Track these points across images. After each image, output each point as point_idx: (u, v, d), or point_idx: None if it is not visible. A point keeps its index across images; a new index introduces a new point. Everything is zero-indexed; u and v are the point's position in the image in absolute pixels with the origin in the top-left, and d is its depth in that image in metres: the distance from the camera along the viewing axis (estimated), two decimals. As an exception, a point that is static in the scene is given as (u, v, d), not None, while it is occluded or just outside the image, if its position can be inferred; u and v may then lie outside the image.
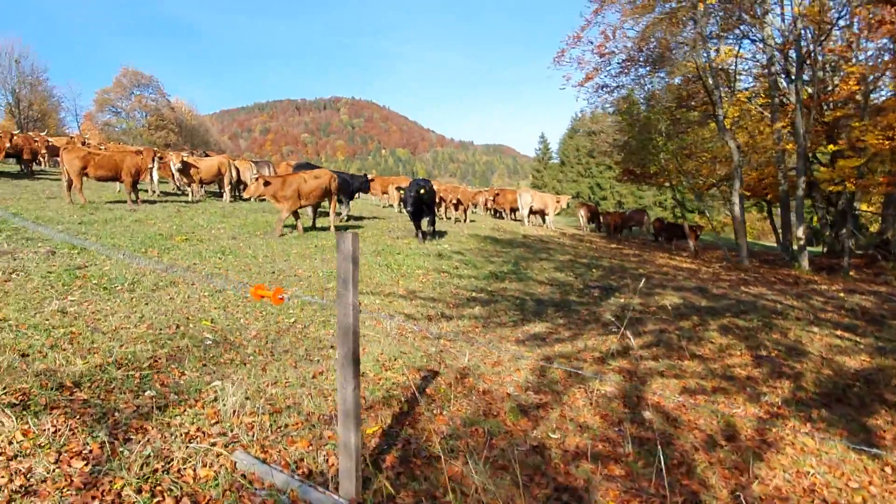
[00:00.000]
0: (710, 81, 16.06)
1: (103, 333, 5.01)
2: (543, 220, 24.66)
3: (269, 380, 4.55)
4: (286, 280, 8.25)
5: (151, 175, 17.69)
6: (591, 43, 22.55)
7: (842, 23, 14.68)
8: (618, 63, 21.11)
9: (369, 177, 18.77)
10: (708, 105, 17.48)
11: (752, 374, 5.81)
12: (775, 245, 27.04)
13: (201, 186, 18.39)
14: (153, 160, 15.87)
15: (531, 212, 23.60)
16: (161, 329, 5.39)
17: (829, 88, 16.43)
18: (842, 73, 16.52)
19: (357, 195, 18.62)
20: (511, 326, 7.16)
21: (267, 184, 12.04)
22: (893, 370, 6.02)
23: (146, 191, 18.13)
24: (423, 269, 9.99)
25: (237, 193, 19.01)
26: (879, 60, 14.32)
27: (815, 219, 32.58)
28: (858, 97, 14.66)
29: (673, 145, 17.48)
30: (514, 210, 26.38)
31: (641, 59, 21.57)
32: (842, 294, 10.48)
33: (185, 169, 16.73)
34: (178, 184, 19.84)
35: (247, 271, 8.52)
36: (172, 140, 61.71)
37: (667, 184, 24.28)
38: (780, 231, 18.28)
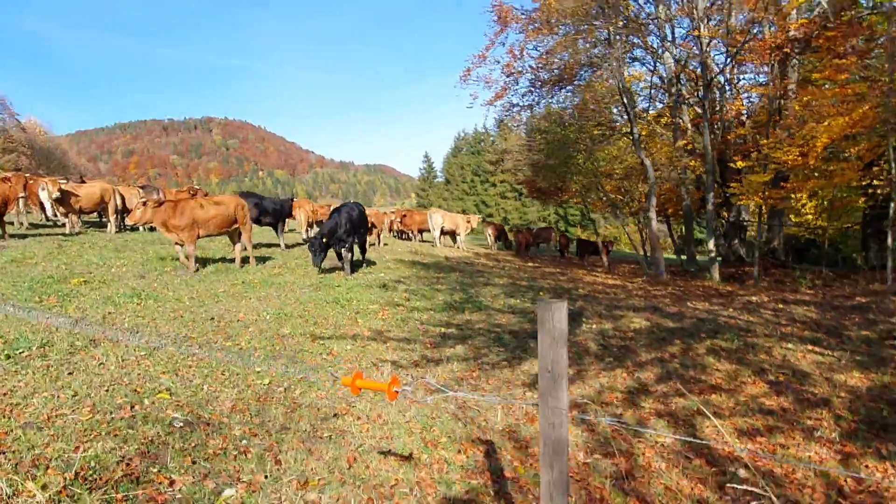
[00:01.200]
0: (626, 100, 16.44)
1: (38, 429, 3.69)
2: (454, 241, 24.23)
3: (294, 477, 3.50)
4: (230, 327, 7.00)
5: (19, 205, 15.23)
6: (498, 62, 22.67)
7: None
8: (527, 81, 21.25)
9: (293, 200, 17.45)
10: (618, 124, 17.93)
11: (784, 404, 5.50)
12: (674, 257, 28.46)
13: (79, 216, 16.07)
14: (23, 187, 13.58)
15: (442, 232, 23.08)
16: (111, 412, 4.13)
17: (726, 109, 17.41)
18: (735, 95, 17.55)
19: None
20: (506, 367, 6.45)
21: (151, 209, 10.48)
22: None
23: (12, 223, 15.59)
24: (375, 304, 9.03)
25: (122, 223, 16.86)
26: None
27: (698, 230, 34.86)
28: (760, 117, 15.62)
29: (590, 164, 17.72)
30: (421, 231, 25.77)
31: (545, 77, 21.95)
32: (780, 305, 10.76)
33: (63, 197, 14.52)
34: (49, 214, 17.29)
35: (179, 319, 7.16)
36: (24, 163, 55.19)
37: (576, 200, 24.78)
38: (678, 243, 18.96)
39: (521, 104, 20.66)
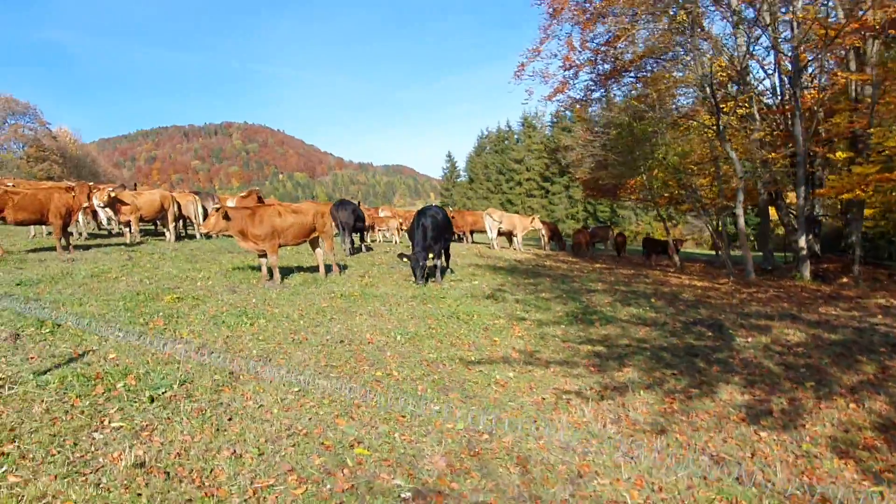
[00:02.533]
0: (709, 89, 15.38)
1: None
2: (510, 242, 23.30)
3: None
4: (365, 352, 6.18)
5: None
6: (556, 56, 21.70)
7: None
8: (586, 75, 20.27)
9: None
10: (699, 115, 16.85)
11: None
12: (737, 253, 27.20)
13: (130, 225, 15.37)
14: (88, 197, 12.88)
15: (499, 233, 22.16)
16: (322, 481, 3.30)
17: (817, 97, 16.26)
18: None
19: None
20: (703, 396, 5.53)
21: (227, 217, 9.71)
22: None
23: (71, 233, 14.99)
24: (499, 319, 8.17)
25: (182, 231, 16.22)
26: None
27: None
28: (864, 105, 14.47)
29: (673, 158, 16.66)
30: (473, 232, 24.83)
31: (606, 69, 20.92)
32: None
33: (116, 205, 13.85)
34: (104, 224, 16.79)
35: (305, 343, 6.35)
36: (56, 172, 55.24)
37: (635, 196, 23.72)
38: (753, 240, 17.83)
39: (584, 98, 19.71)
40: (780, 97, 18.58)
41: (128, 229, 15.01)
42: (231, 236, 10.22)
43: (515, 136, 77.90)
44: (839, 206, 20.94)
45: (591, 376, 5.92)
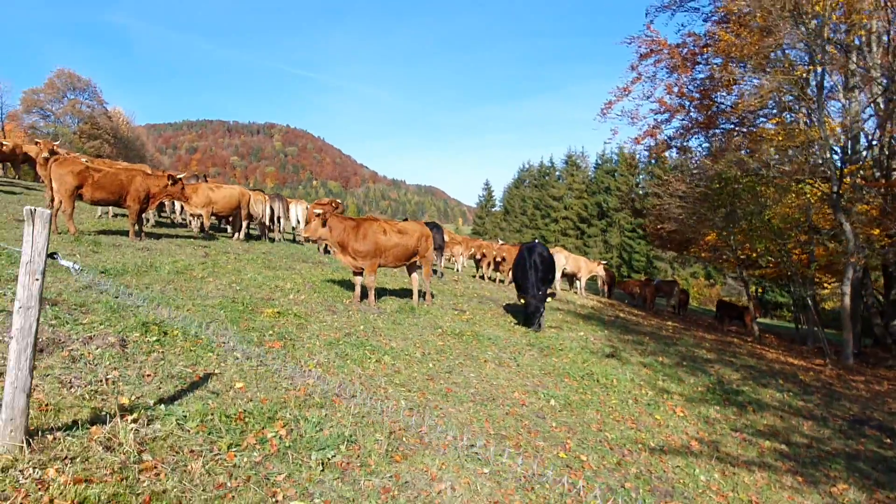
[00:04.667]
0: (827, 150, 14.32)
1: None
2: (570, 284, 22.20)
3: None
4: (530, 419, 5.16)
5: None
6: (648, 98, 20.78)
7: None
8: (683, 120, 19.35)
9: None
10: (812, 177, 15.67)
11: None
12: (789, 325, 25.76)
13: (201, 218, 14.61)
14: (177, 185, 12.03)
15: (563, 275, 21.08)
16: None
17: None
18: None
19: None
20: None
21: (326, 224, 8.91)
22: None
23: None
24: (641, 388, 7.10)
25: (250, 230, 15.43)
26: None
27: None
28: None
29: (788, 222, 15.56)
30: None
31: (699, 118, 19.94)
32: None
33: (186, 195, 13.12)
34: (179, 214, 16.17)
35: (452, 397, 5.36)
36: (106, 151, 55.61)
37: (705, 255, 22.51)
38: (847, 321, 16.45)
39: (680, 143, 18.77)
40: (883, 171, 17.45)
41: (196, 221, 14.29)
42: (325, 246, 9.41)
43: (557, 174, 76.83)
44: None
45: (807, 490, 4.82)
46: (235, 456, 3.42)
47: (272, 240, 16.15)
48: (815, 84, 14.84)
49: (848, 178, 16.65)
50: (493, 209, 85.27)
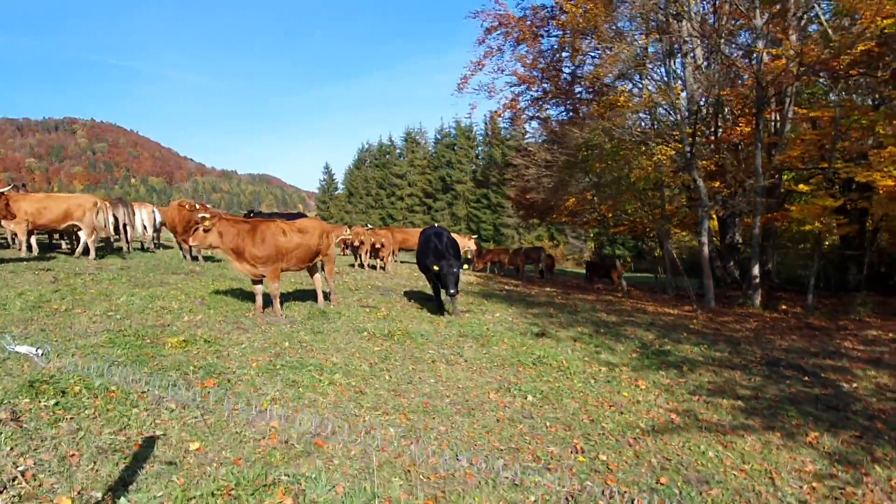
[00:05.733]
0: (679, 115, 15.40)
1: None
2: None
3: None
4: (521, 422, 4.77)
5: None
6: (502, 71, 21.09)
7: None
8: (537, 91, 19.90)
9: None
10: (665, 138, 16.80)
11: None
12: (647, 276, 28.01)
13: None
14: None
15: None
16: None
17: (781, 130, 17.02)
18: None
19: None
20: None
21: (219, 231, 7.85)
22: None
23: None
24: (591, 364, 7.02)
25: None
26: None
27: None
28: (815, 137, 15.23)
29: (648, 183, 16.49)
30: (409, 250, 23.34)
31: (548, 88, 20.62)
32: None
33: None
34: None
35: (436, 413, 4.80)
36: None
37: (566, 219, 23.58)
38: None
39: (534, 114, 19.27)
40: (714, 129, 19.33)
41: (20, 240, 11.97)
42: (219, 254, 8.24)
43: (398, 151, 76.72)
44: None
45: (793, 445, 4.96)
46: None
47: (119, 250, 14.14)
48: (662, 52, 15.85)
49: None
50: (336, 192, 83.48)
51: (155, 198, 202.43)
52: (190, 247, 13.35)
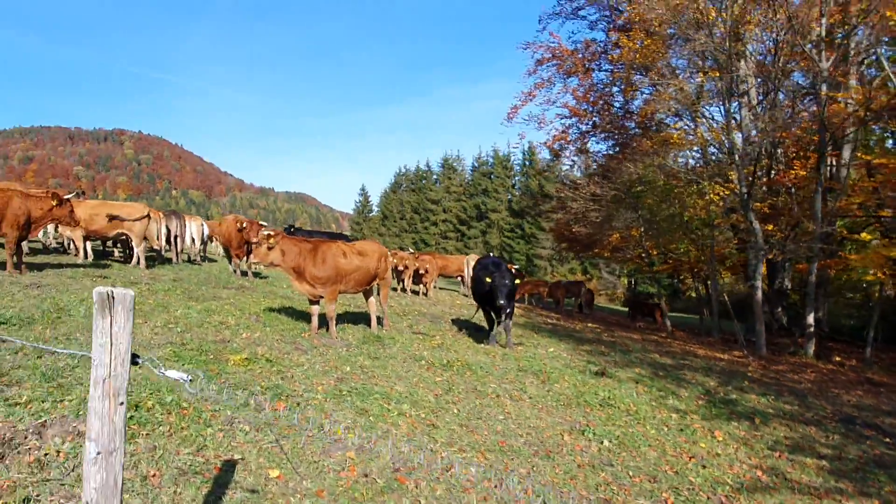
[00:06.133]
0: (737, 157, 15.08)
1: None
2: (483, 291, 21.88)
3: None
4: (603, 469, 4.54)
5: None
6: (553, 103, 21.10)
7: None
8: (587, 124, 19.79)
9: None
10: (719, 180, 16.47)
11: None
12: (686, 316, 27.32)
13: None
14: (65, 207, 10.07)
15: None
16: None
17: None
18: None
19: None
20: None
21: (280, 248, 7.80)
22: None
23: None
24: (660, 410, 6.73)
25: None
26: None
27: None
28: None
29: (701, 223, 16.18)
30: (447, 277, 23.17)
31: (598, 122, 20.49)
32: None
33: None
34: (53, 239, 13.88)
35: (512, 453, 4.60)
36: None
37: (607, 254, 23.20)
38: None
39: (586, 148, 19.13)
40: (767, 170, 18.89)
41: (77, 246, 12.18)
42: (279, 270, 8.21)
43: (434, 177, 77.00)
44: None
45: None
46: None
47: (169, 261, 14.30)
48: (722, 89, 15.58)
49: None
50: (371, 214, 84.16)
51: (194, 210, 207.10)
52: (240, 262, 13.46)
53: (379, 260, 8.84)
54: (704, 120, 16.75)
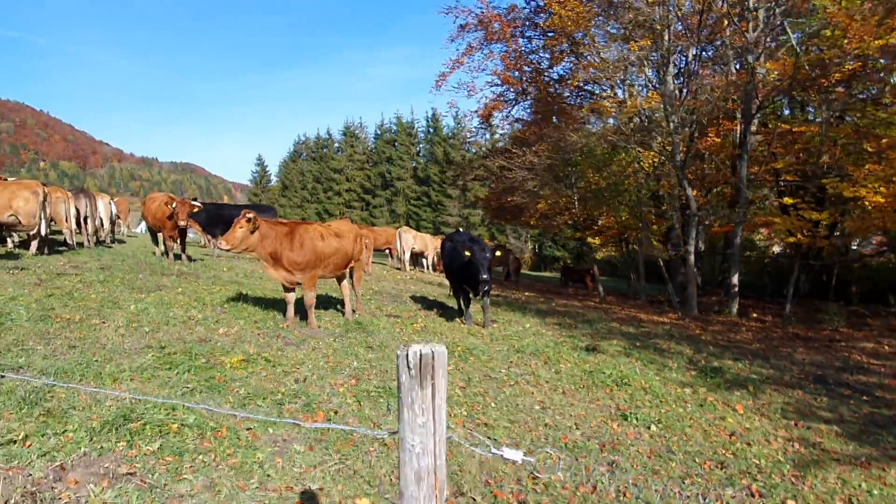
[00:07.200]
0: (669, 122, 15.45)
1: None
2: (415, 264, 21.56)
3: None
4: (664, 457, 4.39)
5: None
6: (483, 70, 20.74)
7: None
8: (517, 92, 19.67)
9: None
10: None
11: None
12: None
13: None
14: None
15: (412, 254, 20.40)
16: None
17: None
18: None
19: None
20: None
21: (258, 232, 7.07)
22: None
23: None
24: (668, 385, 6.73)
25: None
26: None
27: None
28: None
29: (645, 190, 16.47)
30: (376, 249, 22.54)
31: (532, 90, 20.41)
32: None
33: None
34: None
35: (577, 449, 4.34)
36: None
37: (535, 222, 23.45)
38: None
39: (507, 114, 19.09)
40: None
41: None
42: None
43: (336, 145, 74.75)
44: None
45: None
46: None
47: (80, 245, 12.79)
48: (658, 58, 15.87)
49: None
50: (269, 185, 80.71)
51: (67, 183, 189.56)
52: (171, 245, 12.24)
53: (355, 241, 8.25)
54: (637, 88, 17.07)
